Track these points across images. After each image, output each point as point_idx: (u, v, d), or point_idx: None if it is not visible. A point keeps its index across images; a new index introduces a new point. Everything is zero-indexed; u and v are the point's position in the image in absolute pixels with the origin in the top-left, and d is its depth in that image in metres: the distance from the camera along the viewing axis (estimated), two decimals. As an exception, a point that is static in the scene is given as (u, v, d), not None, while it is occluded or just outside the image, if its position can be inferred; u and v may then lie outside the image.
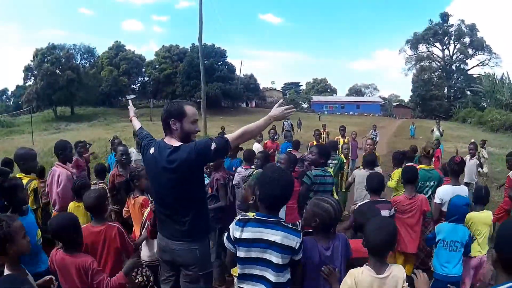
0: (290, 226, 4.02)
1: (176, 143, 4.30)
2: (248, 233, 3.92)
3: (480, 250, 6.36)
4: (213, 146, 4.10)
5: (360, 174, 8.94)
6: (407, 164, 8.91)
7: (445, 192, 6.77)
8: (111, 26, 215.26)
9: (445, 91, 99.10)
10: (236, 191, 8.19)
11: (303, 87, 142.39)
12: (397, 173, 8.55)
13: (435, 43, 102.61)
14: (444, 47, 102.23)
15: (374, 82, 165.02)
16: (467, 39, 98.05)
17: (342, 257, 4.20)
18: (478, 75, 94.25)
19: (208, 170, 7.93)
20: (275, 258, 3.86)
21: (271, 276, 3.89)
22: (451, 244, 5.81)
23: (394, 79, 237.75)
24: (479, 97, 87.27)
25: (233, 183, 8.25)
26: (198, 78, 73.19)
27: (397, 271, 3.79)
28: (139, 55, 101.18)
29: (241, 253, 3.97)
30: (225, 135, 4.29)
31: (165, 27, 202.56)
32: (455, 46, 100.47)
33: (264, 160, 8.31)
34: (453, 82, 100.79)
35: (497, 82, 77.46)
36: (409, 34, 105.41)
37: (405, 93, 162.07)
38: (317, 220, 4.15)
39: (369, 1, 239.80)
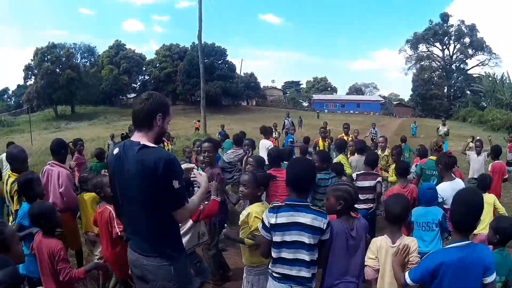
0: (317, 208, 4.44)
1: (145, 140, 3.88)
2: (283, 218, 4.25)
3: (482, 228, 6.79)
4: (177, 184, 3.80)
5: (354, 159, 10.53)
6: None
7: (443, 189, 6.96)
8: (112, 26, 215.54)
9: (445, 90, 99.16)
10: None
11: (304, 86, 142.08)
12: (391, 168, 9.96)
13: (435, 43, 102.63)
14: (444, 47, 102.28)
15: (374, 81, 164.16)
16: (467, 39, 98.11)
17: (364, 235, 4.65)
18: (478, 75, 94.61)
19: (203, 164, 7.78)
20: (307, 239, 4.23)
21: (305, 256, 4.26)
22: (424, 225, 6.27)
23: (394, 79, 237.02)
24: (479, 97, 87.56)
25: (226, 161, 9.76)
26: (198, 76, 72.64)
27: (408, 241, 4.47)
28: (139, 54, 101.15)
29: (276, 238, 4.29)
30: (183, 202, 3.96)
31: (166, 27, 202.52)
32: (455, 46, 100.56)
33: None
34: (453, 81, 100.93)
35: (497, 82, 77.62)
36: (409, 34, 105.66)
37: (405, 92, 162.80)
38: (341, 202, 4.50)
39: (369, 1, 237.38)
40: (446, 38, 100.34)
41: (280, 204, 4.43)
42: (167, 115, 4.00)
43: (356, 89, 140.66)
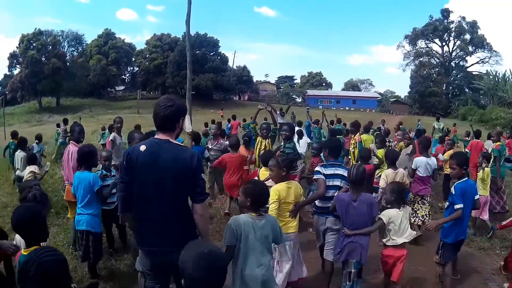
0: (344, 165, 7.66)
1: (173, 139, 4.41)
2: (329, 171, 7.02)
3: (482, 192, 10.14)
4: (202, 176, 4.47)
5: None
6: None
7: (419, 161, 9.89)
8: (106, 15, 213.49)
9: (444, 88, 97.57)
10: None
11: (298, 80, 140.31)
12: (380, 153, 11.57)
13: (434, 39, 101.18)
14: (444, 44, 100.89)
15: (370, 78, 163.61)
16: (467, 36, 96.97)
17: (366, 206, 6.40)
18: (478, 73, 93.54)
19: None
20: (339, 183, 7.01)
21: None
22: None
23: (389, 75, 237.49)
24: (479, 95, 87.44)
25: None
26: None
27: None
28: (129, 44, 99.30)
29: (328, 182, 6.94)
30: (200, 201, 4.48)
31: (160, 17, 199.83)
32: (455, 43, 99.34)
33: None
34: (451, 79, 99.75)
35: (500, 80, 76.79)
36: (406, 30, 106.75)
37: (401, 89, 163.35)
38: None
39: None
40: (446, 34, 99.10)
41: (326, 163, 7.39)
42: (184, 116, 4.57)
43: (352, 85, 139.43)
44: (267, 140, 11.35)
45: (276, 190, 6.32)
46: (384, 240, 6.65)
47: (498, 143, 13.56)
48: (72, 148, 8.64)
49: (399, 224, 6.48)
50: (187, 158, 4.27)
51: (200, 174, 4.35)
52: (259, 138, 11.57)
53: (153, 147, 4.35)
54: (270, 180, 7.30)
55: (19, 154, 13.08)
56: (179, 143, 4.49)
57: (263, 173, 8.43)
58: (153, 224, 4.43)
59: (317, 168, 7.09)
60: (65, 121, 25.28)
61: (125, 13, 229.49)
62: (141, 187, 4.40)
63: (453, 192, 6.93)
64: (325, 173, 6.89)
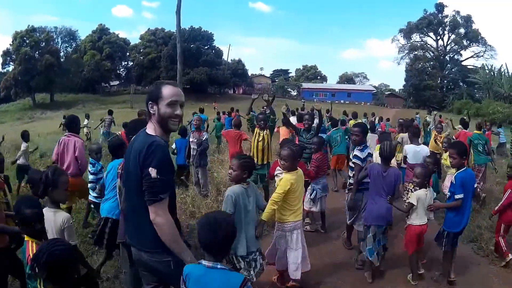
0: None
1: (150, 129, 3.98)
2: (364, 153, 8.00)
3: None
4: (154, 172, 3.69)
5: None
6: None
7: (408, 148, 10.47)
8: (101, 12, 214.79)
9: (439, 81, 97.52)
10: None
11: (293, 74, 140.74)
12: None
13: (429, 33, 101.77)
14: (438, 38, 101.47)
15: (364, 71, 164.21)
16: (462, 30, 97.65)
17: (394, 177, 7.28)
18: (472, 67, 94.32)
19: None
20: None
21: None
22: None
23: (384, 69, 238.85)
24: (474, 89, 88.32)
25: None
26: (183, 62, 71.01)
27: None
28: (123, 39, 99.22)
29: (364, 163, 7.94)
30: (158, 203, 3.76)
31: (155, 13, 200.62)
32: (449, 36, 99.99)
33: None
34: (446, 72, 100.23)
35: (495, 74, 77.31)
36: (400, 25, 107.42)
37: (395, 83, 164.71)
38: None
39: None
40: (441, 28, 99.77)
41: (362, 147, 8.17)
42: (158, 100, 3.95)
43: (347, 78, 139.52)
44: (265, 131, 11.30)
45: (289, 180, 6.33)
46: (411, 220, 7.21)
47: (476, 131, 14.96)
48: (74, 139, 9.07)
49: (427, 203, 7.19)
50: (139, 149, 3.78)
51: (146, 169, 3.69)
52: (256, 129, 11.48)
53: (134, 138, 4.12)
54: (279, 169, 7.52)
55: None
56: (148, 134, 3.94)
57: None
58: (128, 218, 4.31)
59: (356, 153, 8.06)
60: (110, 112, 25.78)
61: (121, 10, 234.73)
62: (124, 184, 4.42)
63: (454, 182, 7.14)
64: (363, 157, 7.98)
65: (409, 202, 7.16)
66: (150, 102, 3.97)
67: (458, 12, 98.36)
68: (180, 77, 29.31)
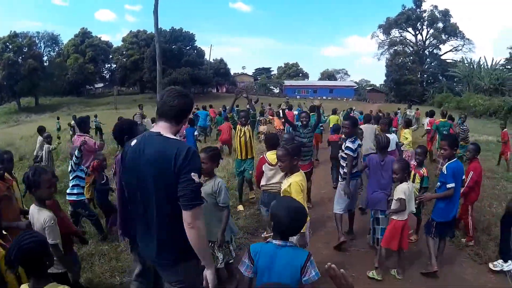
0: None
1: (168, 134, 3.79)
2: (356, 144, 8.64)
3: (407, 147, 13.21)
4: (197, 177, 3.64)
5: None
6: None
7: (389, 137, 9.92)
8: (84, 16, 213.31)
9: (419, 76, 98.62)
10: None
11: (275, 72, 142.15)
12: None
13: (407, 28, 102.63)
14: (417, 32, 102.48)
15: (345, 67, 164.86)
16: (440, 25, 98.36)
17: (391, 165, 7.57)
18: (451, 61, 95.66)
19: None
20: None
21: None
22: None
23: (364, 65, 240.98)
24: (453, 82, 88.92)
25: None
26: (165, 63, 71.70)
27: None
28: (106, 42, 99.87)
29: (356, 153, 8.75)
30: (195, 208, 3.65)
31: (138, 16, 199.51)
32: (428, 31, 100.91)
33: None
34: (426, 67, 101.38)
35: (475, 67, 78.01)
36: (379, 21, 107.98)
37: (375, 78, 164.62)
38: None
39: None
40: (419, 23, 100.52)
41: (353, 139, 8.62)
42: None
43: (328, 75, 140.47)
44: (246, 127, 11.49)
45: (298, 182, 6.05)
46: (396, 215, 7.13)
47: (441, 119, 17.60)
48: (81, 138, 9.62)
49: (410, 196, 7.21)
50: (171, 153, 3.58)
51: (188, 174, 3.58)
52: (238, 126, 11.69)
53: (142, 140, 3.87)
54: (274, 172, 7.61)
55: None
56: (172, 137, 3.80)
57: (271, 156, 7.84)
58: (140, 231, 4.08)
59: (348, 144, 8.53)
60: (141, 107, 27.97)
61: (104, 14, 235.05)
62: (128, 188, 4.11)
63: (445, 172, 7.36)
64: (355, 147, 8.49)
65: (399, 198, 7.03)
66: (186, 115, 3.98)
67: (436, 7, 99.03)
68: (160, 78, 29.60)
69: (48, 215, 4.92)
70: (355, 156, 8.62)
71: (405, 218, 7.07)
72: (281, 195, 6.16)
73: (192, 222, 3.58)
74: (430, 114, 20.39)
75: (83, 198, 9.07)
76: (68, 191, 8.98)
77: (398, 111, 41.42)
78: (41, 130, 15.62)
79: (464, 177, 8.03)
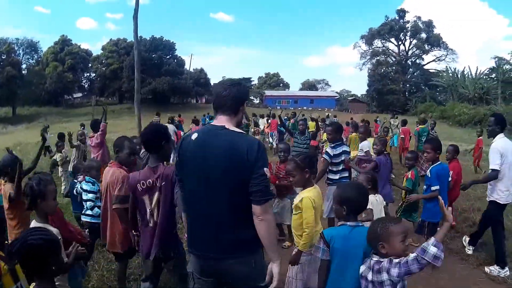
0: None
1: (232, 127, 3.82)
2: (336, 151, 8.94)
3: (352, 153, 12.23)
4: (267, 171, 3.71)
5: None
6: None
7: (366, 144, 11.85)
8: (65, 24, 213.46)
9: (401, 85, 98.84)
10: None
11: (255, 82, 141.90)
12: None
13: (390, 39, 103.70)
14: (400, 43, 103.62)
15: (326, 78, 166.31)
16: (423, 35, 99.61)
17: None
18: (434, 70, 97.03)
19: None
20: (344, 158, 9.04)
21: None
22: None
23: (345, 75, 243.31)
24: (436, 92, 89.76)
25: None
26: (145, 72, 71.21)
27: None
28: (85, 50, 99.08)
29: (336, 159, 8.95)
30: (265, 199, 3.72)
31: (119, 24, 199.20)
32: (411, 41, 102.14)
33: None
34: (408, 77, 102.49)
35: (459, 76, 79.31)
36: (360, 31, 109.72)
37: (357, 88, 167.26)
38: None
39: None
40: (402, 33, 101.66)
41: (335, 144, 8.96)
42: (246, 101, 4.09)
43: (310, 85, 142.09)
44: None
45: (311, 197, 5.53)
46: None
47: (420, 126, 19.46)
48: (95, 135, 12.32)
49: (379, 210, 6.99)
50: (243, 147, 3.64)
51: (260, 168, 3.64)
52: None
53: (205, 134, 3.87)
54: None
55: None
56: (238, 130, 3.86)
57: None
58: (202, 226, 3.96)
59: (327, 149, 9.06)
60: (158, 114, 29.09)
61: (85, 22, 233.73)
62: (191, 183, 3.96)
63: (429, 175, 7.94)
64: (335, 153, 8.83)
65: (367, 208, 6.06)
66: (242, 102, 3.96)
67: (419, 18, 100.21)
68: (138, 86, 28.72)
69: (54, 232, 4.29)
70: (335, 162, 8.93)
71: None
72: (293, 211, 5.86)
73: (262, 215, 3.64)
74: (403, 123, 23.35)
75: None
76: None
77: (378, 119, 43.07)
78: (61, 137, 16.29)
79: (449, 178, 8.71)
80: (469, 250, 8.77)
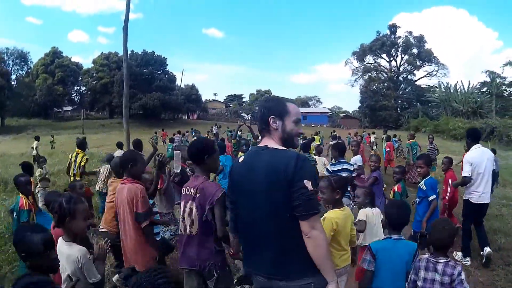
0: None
1: (273, 144, 3.81)
2: (337, 167, 9.68)
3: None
4: (310, 184, 3.54)
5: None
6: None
7: (358, 158, 12.20)
8: (57, 36, 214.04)
9: (393, 101, 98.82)
10: None
11: (246, 99, 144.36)
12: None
13: (382, 55, 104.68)
14: (391, 59, 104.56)
15: (317, 95, 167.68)
16: (415, 50, 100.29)
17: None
18: (426, 86, 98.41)
19: None
20: (346, 175, 9.53)
21: None
22: None
23: (336, 92, 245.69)
24: (428, 107, 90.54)
25: None
26: (136, 87, 70.86)
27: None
28: (76, 63, 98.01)
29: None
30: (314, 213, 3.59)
31: (111, 38, 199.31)
32: (402, 57, 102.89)
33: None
34: (400, 92, 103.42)
35: (452, 91, 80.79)
36: (351, 48, 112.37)
37: (348, 105, 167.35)
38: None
39: (310, 17, 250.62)
40: (394, 49, 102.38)
41: (336, 162, 9.86)
42: (284, 116, 3.86)
43: (302, 102, 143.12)
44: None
45: (332, 219, 5.50)
46: (363, 241, 6.64)
47: (411, 140, 21.60)
48: None
49: (375, 223, 6.80)
50: (281, 163, 3.56)
51: (299, 181, 3.49)
52: (240, 154, 12.43)
53: (251, 156, 3.92)
54: None
55: None
56: (279, 147, 3.78)
57: None
58: (251, 246, 3.93)
59: (327, 167, 9.98)
60: (179, 132, 32.24)
61: (77, 35, 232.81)
62: (240, 203, 3.99)
63: (424, 188, 8.46)
64: (333, 169, 9.58)
65: (360, 220, 6.66)
66: (272, 117, 3.83)
67: (410, 33, 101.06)
68: (127, 100, 28.01)
69: (81, 250, 4.37)
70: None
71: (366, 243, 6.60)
72: None
73: (308, 232, 3.51)
74: (387, 139, 26.28)
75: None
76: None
77: (364, 133, 46.73)
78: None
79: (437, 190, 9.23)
80: (468, 262, 9.14)
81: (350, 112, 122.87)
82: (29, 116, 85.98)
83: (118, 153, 18.29)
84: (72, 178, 13.12)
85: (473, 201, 9.08)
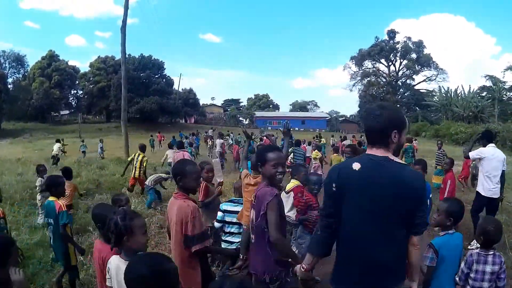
0: None
1: (395, 158, 3.74)
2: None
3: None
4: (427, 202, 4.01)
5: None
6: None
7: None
8: (55, 41, 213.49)
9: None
10: None
11: (244, 103, 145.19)
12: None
13: (380, 59, 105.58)
14: (390, 63, 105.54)
15: (314, 99, 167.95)
16: (413, 55, 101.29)
17: None
18: (425, 90, 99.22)
19: None
20: None
21: None
22: None
23: (334, 96, 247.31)
24: (428, 111, 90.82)
25: None
26: (133, 91, 70.65)
27: None
28: (72, 66, 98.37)
29: None
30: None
31: (108, 43, 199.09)
32: (401, 62, 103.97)
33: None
34: (399, 97, 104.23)
35: (452, 95, 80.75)
36: (348, 53, 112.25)
37: (346, 109, 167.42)
38: None
39: (308, 23, 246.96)
40: (392, 54, 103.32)
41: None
42: (404, 129, 3.80)
43: (300, 106, 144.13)
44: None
45: None
46: None
47: (406, 144, 20.61)
48: (182, 153, 15.31)
49: None
50: (410, 178, 3.58)
51: (425, 204, 3.74)
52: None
53: (370, 165, 3.68)
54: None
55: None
56: (401, 162, 3.79)
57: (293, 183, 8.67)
58: (364, 262, 3.70)
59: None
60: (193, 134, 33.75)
61: (74, 39, 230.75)
62: (355, 216, 3.71)
63: None
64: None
65: None
66: (395, 130, 3.68)
67: (409, 38, 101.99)
68: (125, 103, 27.56)
69: None
70: None
71: None
72: None
73: (419, 244, 3.70)
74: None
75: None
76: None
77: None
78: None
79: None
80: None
81: (348, 116, 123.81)
82: (26, 120, 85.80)
83: (170, 153, 21.07)
84: (133, 172, 16.32)
85: (482, 194, 10.10)
